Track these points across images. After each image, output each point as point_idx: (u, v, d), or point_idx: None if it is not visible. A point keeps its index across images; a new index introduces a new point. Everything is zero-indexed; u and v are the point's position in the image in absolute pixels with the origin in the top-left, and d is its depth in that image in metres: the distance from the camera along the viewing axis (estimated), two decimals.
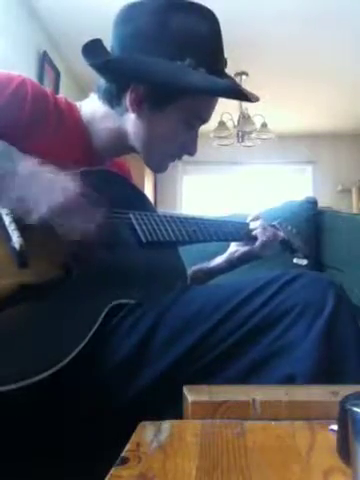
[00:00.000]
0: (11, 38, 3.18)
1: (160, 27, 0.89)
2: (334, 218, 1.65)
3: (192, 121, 0.96)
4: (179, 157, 1.01)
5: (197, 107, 0.95)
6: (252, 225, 1.15)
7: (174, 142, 0.97)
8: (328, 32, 3.72)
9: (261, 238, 1.13)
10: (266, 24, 3.62)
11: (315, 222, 1.61)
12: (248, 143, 4.58)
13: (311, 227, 1.59)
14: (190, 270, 1.12)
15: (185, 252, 1.01)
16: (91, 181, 0.77)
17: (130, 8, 0.92)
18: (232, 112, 4.26)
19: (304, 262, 1.19)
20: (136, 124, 0.94)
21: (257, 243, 1.13)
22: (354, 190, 5.66)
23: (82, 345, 0.70)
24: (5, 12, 3.08)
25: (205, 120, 0.98)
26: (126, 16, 0.93)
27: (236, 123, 4.47)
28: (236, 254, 1.15)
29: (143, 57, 0.89)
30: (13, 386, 0.63)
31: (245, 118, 4.38)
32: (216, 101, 0.98)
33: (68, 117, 0.95)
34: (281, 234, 1.18)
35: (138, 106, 0.92)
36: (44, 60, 3.64)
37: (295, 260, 1.20)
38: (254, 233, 1.14)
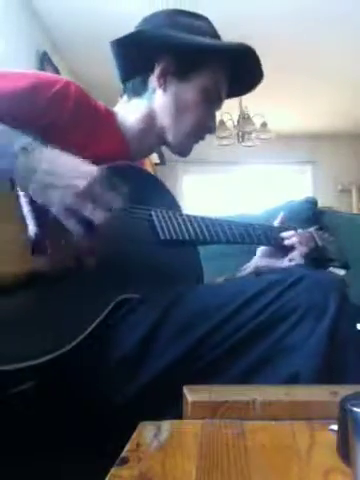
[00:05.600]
0: (11, 38, 3.18)
1: (171, 20, 1.01)
2: (334, 218, 1.65)
3: (212, 95, 1.02)
4: (201, 136, 1.06)
5: (217, 78, 1.02)
6: (286, 235, 1.08)
7: (198, 116, 1.01)
8: (328, 32, 3.72)
9: (299, 249, 1.06)
10: (266, 24, 3.62)
11: (315, 222, 1.61)
12: (248, 143, 4.57)
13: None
14: (220, 279, 1.11)
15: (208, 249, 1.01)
16: (117, 176, 0.78)
17: (144, 18, 1.05)
18: (232, 112, 4.26)
19: (341, 272, 1.10)
20: (163, 100, 1.01)
21: (295, 253, 1.05)
22: (354, 190, 5.66)
23: (85, 334, 0.72)
24: (5, 12, 3.08)
25: (221, 97, 1.05)
26: (142, 21, 1.05)
27: (236, 123, 4.47)
28: (264, 269, 1.09)
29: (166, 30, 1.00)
30: (15, 366, 0.65)
31: (245, 118, 4.38)
32: (227, 78, 1.05)
33: (106, 121, 1.00)
34: (312, 246, 1.10)
35: (165, 79, 1.00)
36: (44, 60, 3.64)
37: (331, 269, 1.10)
38: (288, 242, 1.07)
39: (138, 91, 1.03)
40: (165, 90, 1.00)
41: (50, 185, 0.72)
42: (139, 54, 1.00)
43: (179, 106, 1.01)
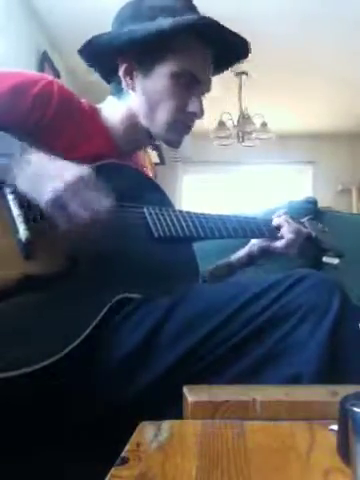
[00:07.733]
0: (11, 38, 3.17)
1: (135, 8, 0.98)
2: (334, 218, 1.65)
3: (185, 80, 0.97)
4: (187, 123, 1.01)
5: (183, 62, 0.96)
6: (276, 221, 1.13)
7: (173, 104, 0.97)
8: (328, 31, 3.72)
9: (286, 236, 1.10)
10: (266, 23, 3.61)
11: None
12: (248, 143, 4.57)
13: None
14: (212, 266, 1.13)
15: (203, 248, 1.01)
16: (106, 175, 0.78)
17: (117, 12, 1.02)
18: (232, 112, 4.26)
19: (335, 261, 1.13)
20: (136, 100, 0.99)
21: (282, 241, 1.10)
22: (354, 190, 5.65)
23: (83, 337, 0.71)
24: (5, 12, 3.08)
25: (199, 79, 0.98)
26: (116, 13, 1.02)
27: (236, 123, 4.47)
28: (256, 247, 1.14)
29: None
30: (13, 373, 0.64)
31: (245, 118, 4.38)
32: (204, 56, 0.99)
33: (91, 118, 1.00)
34: (305, 230, 1.15)
35: (130, 78, 0.98)
36: (44, 60, 3.64)
37: (325, 259, 1.13)
38: (277, 229, 1.12)
39: (116, 93, 1.03)
40: (134, 90, 0.99)
41: (39, 177, 0.73)
42: (101, 61, 1.00)
43: (151, 101, 0.98)
